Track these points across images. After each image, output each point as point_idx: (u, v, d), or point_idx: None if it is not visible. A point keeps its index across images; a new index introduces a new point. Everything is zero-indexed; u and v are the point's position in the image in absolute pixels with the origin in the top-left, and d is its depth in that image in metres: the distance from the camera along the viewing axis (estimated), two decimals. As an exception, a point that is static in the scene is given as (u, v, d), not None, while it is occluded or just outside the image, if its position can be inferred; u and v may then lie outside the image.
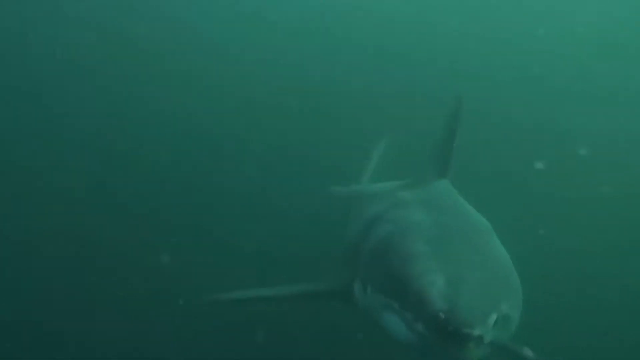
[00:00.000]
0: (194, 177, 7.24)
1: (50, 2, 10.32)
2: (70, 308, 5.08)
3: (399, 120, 8.12)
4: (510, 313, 3.06)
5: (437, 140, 4.72)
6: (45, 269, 5.44)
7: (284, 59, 10.21)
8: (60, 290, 5.26)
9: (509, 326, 3.13)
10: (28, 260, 5.54)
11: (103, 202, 6.53)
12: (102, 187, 6.78)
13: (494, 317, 2.86)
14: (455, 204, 4.24)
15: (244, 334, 5.09)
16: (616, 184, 7.87)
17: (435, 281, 2.98)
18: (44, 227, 5.89)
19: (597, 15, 12.91)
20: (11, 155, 6.90)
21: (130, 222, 6.20)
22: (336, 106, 9.06)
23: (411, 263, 3.21)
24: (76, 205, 6.34)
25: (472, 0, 13.32)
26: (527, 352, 3.46)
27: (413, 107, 8.84)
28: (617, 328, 5.96)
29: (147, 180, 7.01)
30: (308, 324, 5.20)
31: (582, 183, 8.05)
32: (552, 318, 5.38)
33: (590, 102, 10.35)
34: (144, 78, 8.90)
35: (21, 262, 5.52)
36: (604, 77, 10.92)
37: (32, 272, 5.43)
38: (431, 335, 2.84)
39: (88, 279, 5.41)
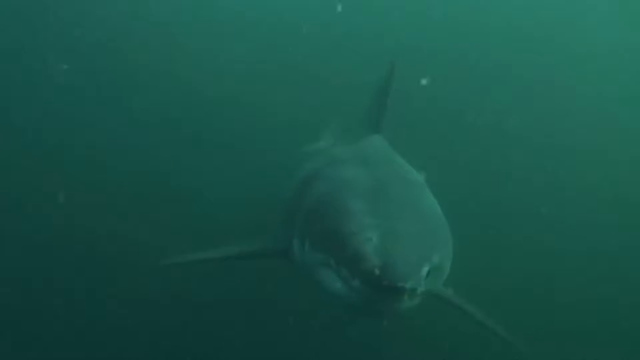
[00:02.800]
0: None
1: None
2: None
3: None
4: (441, 264, 3.23)
5: (371, 97, 4.82)
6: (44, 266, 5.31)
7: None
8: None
9: (440, 276, 3.33)
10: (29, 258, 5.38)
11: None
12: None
13: (425, 269, 3.02)
14: (389, 159, 4.33)
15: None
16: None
17: (370, 237, 3.06)
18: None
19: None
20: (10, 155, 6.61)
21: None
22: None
23: (347, 220, 3.26)
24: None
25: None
26: (449, 293, 3.78)
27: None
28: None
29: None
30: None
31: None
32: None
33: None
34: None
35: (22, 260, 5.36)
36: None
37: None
38: (366, 290, 2.94)
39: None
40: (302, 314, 4.88)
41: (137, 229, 5.67)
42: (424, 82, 7.90)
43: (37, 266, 5.23)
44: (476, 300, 4.04)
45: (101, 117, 7.48)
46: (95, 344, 4.75)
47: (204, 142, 7.46)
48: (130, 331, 4.83)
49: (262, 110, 8.16)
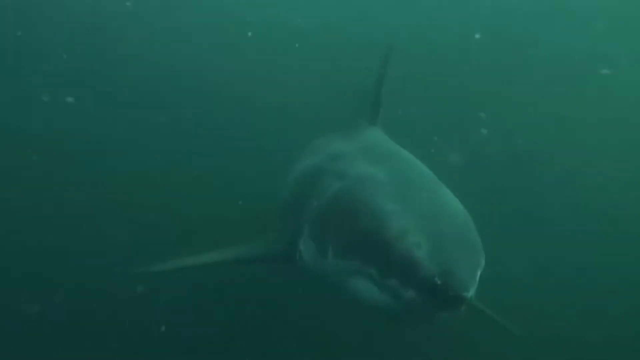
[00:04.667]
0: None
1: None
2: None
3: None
4: (483, 265, 2.96)
5: (367, 89, 4.63)
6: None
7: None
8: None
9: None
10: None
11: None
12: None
13: (479, 273, 2.80)
14: (397, 153, 3.98)
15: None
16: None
17: (419, 242, 2.75)
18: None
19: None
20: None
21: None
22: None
23: (384, 222, 2.90)
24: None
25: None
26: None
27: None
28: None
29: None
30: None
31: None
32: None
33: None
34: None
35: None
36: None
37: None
38: (424, 300, 2.68)
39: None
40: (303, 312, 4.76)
41: (128, 231, 5.48)
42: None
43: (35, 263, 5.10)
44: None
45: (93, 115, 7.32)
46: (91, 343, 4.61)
47: (205, 139, 7.25)
48: (123, 331, 4.68)
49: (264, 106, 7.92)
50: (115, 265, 4.70)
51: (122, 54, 8.43)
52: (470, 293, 2.66)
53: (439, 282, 2.61)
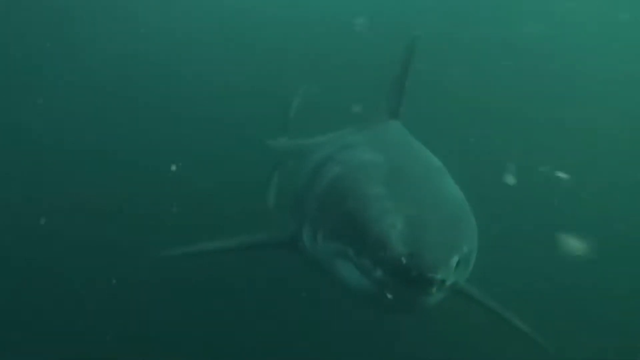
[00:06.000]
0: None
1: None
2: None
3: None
4: (469, 255, 2.95)
5: (389, 82, 4.56)
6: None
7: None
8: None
9: (467, 269, 3.02)
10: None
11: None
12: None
13: (456, 259, 2.74)
14: (407, 144, 4.02)
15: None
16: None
17: (394, 223, 2.76)
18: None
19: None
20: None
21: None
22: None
23: (366, 205, 2.95)
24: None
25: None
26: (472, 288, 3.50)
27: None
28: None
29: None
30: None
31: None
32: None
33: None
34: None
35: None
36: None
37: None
38: (392, 281, 2.65)
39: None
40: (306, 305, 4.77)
41: (139, 219, 5.58)
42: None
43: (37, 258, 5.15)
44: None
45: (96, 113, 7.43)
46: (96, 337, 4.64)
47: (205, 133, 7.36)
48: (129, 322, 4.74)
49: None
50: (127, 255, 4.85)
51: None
52: (439, 276, 2.59)
53: (404, 262, 2.59)
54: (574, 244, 6.28)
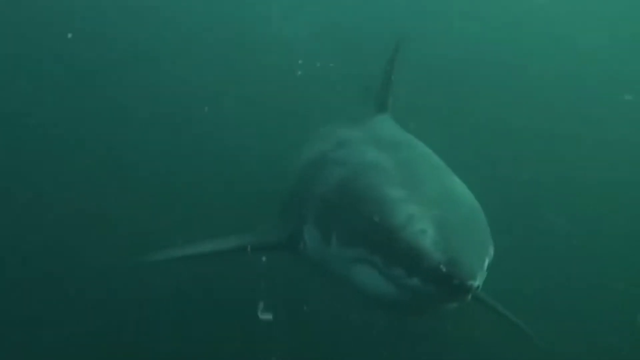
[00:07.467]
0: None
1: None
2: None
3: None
4: (492, 257, 2.89)
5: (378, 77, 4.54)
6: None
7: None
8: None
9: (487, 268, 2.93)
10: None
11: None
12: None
13: (487, 262, 2.73)
14: (406, 140, 3.88)
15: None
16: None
17: (425, 230, 2.67)
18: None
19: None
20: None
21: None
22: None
23: (389, 209, 2.82)
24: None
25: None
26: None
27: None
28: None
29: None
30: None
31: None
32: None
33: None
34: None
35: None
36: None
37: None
38: (429, 289, 2.61)
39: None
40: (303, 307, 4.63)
41: (130, 221, 5.45)
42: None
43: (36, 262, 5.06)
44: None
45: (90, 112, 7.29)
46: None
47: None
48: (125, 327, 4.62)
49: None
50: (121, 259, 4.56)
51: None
52: (477, 282, 2.59)
53: (444, 270, 2.54)
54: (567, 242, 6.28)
